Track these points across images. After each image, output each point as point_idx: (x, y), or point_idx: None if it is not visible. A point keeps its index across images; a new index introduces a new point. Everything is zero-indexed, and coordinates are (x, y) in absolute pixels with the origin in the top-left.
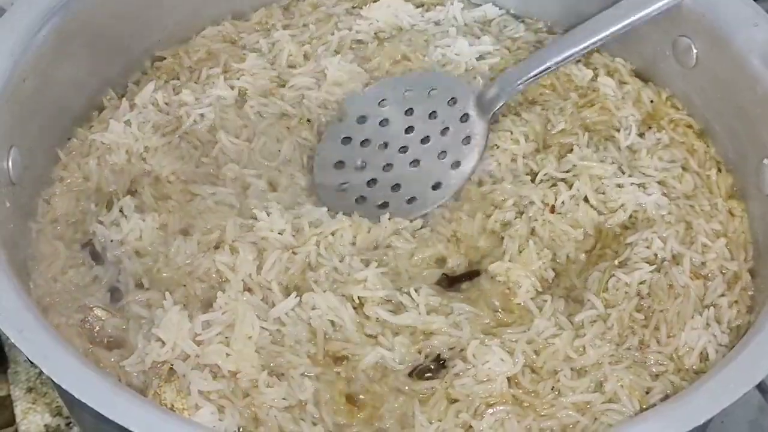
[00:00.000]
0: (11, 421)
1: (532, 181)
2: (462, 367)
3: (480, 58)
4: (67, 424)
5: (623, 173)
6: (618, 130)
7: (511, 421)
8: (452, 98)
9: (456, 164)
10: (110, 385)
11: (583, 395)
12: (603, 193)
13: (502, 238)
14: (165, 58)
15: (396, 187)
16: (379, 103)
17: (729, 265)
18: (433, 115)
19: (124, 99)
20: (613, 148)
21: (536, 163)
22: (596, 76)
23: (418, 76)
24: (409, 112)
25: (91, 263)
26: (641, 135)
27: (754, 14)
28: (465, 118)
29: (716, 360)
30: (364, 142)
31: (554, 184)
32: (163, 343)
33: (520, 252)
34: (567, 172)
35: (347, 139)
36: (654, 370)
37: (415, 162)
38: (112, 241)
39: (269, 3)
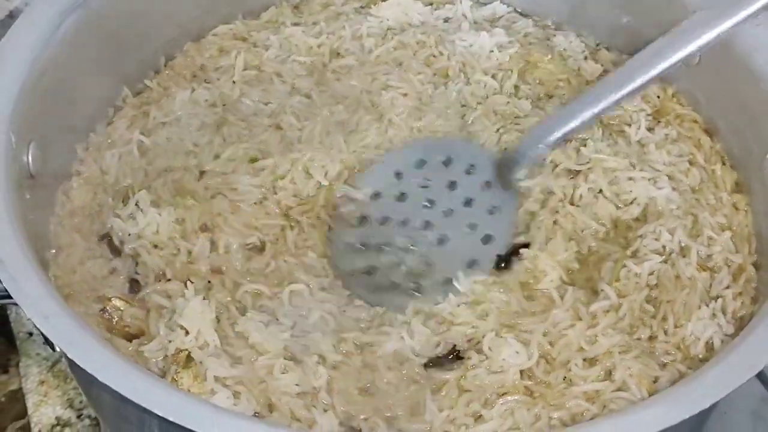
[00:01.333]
0: (23, 414)
1: (553, 171)
2: (477, 360)
3: (500, 49)
4: (78, 416)
5: (634, 167)
6: (629, 125)
7: (521, 411)
8: (470, 165)
9: (487, 238)
10: (134, 369)
11: (593, 384)
12: (616, 185)
13: (528, 226)
14: (176, 57)
15: (428, 267)
16: (394, 177)
17: (734, 257)
18: (452, 185)
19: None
20: (623, 143)
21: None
22: (606, 71)
23: (430, 143)
24: (426, 184)
25: (109, 255)
26: (650, 129)
27: None
28: (487, 186)
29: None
30: (384, 221)
31: (572, 177)
32: (187, 331)
33: (548, 242)
34: (582, 164)
35: (364, 219)
36: (662, 359)
37: (443, 239)
38: (129, 234)
39: (279, 1)
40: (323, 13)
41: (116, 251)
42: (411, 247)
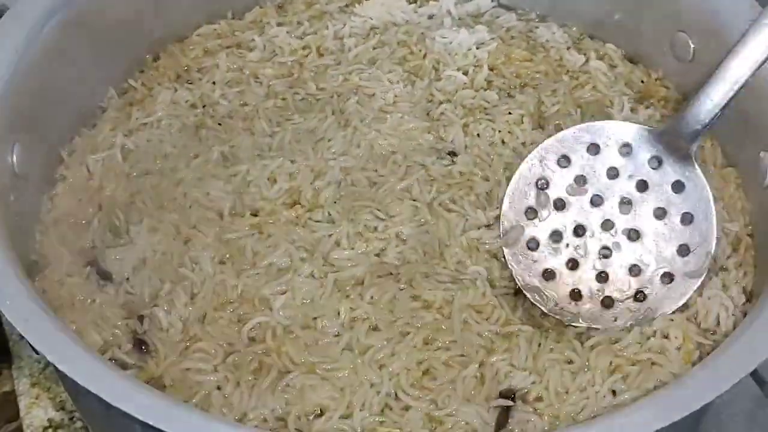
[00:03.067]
0: (16, 416)
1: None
2: None
3: (479, 46)
4: (71, 419)
5: None
6: (610, 107)
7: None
8: (624, 144)
9: (688, 219)
10: (114, 373)
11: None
12: None
13: None
14: (160, 58)
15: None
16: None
17: (730, 226)
18: (611, 171)
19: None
20: None
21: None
22: (588, 60)
23: (568, 133)
24: (581, 179)
25: (100, 282)
26: (633, 110)
27: (750, 9)
28: (654, 162)
29: (728, 322)
30: (558, 203)
31: None
32: None
33: None
34: None
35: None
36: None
37: (634, 232)
38: (115, 258)
39: (263, 1)
40: (307, 12)
41: (106, 277)
42: (602, 249)
